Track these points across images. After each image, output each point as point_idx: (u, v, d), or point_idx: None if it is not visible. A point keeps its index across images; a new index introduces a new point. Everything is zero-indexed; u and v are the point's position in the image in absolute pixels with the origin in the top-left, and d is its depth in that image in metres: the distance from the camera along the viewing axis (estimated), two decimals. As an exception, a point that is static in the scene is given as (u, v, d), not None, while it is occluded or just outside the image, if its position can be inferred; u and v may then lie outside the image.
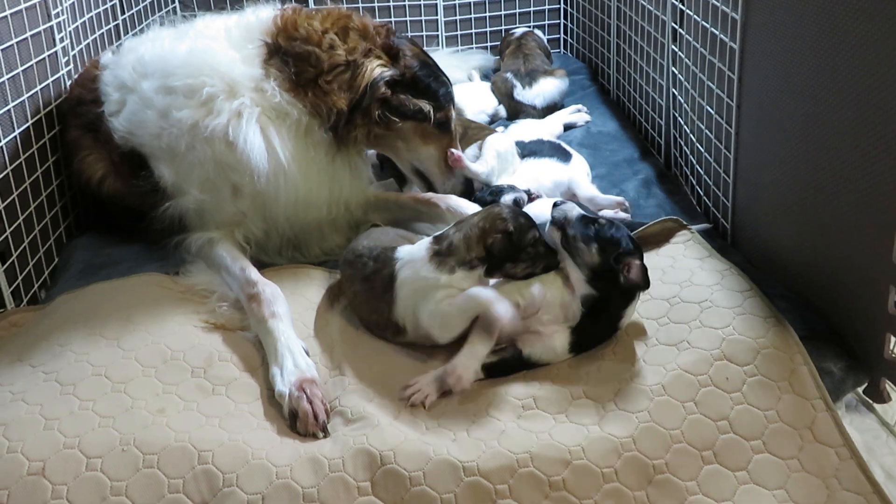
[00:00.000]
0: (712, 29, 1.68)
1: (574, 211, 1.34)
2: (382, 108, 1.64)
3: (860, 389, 1.31)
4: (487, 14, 3.06)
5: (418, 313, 1.31)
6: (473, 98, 2.47)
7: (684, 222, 1.61)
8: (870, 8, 1.15)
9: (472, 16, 3.05)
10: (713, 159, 1.75)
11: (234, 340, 1.39)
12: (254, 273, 1.49)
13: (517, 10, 3.08)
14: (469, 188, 1.80)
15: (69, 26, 1.92)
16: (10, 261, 1.56)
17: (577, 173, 1.91)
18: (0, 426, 1.15)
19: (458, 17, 3.03)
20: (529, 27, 2.91)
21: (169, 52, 1.63)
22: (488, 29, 3.08)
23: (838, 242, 1.30)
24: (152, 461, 1.11)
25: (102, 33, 2.20)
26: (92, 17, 2.12)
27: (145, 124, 1.60)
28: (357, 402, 1.24)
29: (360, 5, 2.90)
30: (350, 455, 1.13)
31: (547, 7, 3.10)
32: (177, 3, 2.81)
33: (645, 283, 1.27)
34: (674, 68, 2.02)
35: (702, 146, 1.82)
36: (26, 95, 1.69)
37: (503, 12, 3.07)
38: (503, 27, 3.05)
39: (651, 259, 1.48)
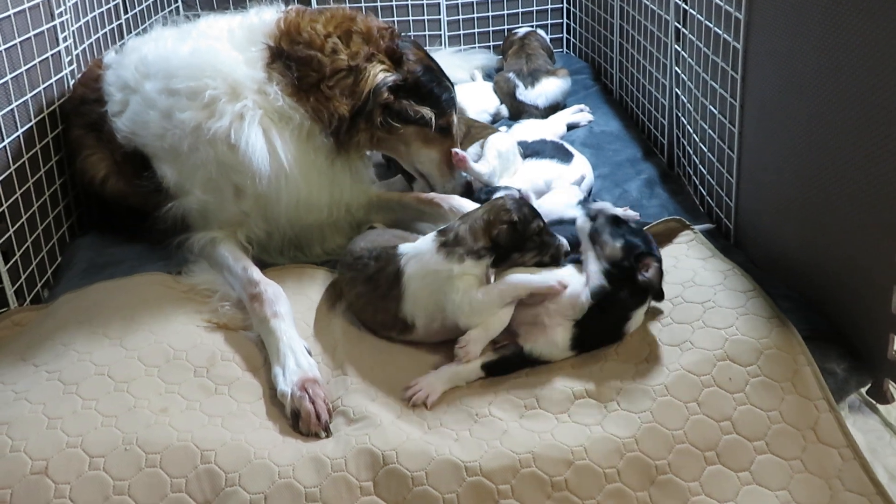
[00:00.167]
0: (715, 28, 1.68)
1: (609, 209, 1.38)
2: (385, 113, 1.64)
3: (863, 390, 1.31)
4: (490, 14, 3.06)
5: (438, 305, 1.32)
6: (476, 98, 2.46)
7: (687, 222, 1.61)
8: (874, 7, 1.15)
9: (475, 15, 3.04)
10: (716, 159, 1.75)
11: (236, 340, 1.39)
12: (256, 273, 1.49)
13: (520, 10, 3.07)
14: (468, 191, 1.80)
15: (72, 26, 1.92)
16: (14, 260, 1.56)
17: (575, 175, 1.90)
18: (3, 425, 1.15)
19: (460, 17, 3.03)
20: (532, 27, 2.90)
21: (172, 53, 1.63)
22: (491, 28, 3.08)
23: (841, 242, 1.30)
24: (155, 460, 1.11)
25: (105, 33, 2.20)
26: (95, 16, 2.12)
27: (148, 125, 1.60)
28: (359, 402, 1.24)
29: (363, 5, 2.90)
30: (352, 455, 1.13)
31: (550, 6, 3.09)
32: (179, 3, 2.81)
33: (659, 289, 1.29)
34: (677, 68, 2.02)
35: (705, 146, 1.82)
36: (29, 95, 1.69)
37: (506, 12, 3.07)
38: (506, 27, 3.05)
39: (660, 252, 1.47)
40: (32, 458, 1.11)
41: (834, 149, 1.28)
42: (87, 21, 2.06)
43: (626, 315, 1.30)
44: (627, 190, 1.94)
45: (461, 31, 3.05)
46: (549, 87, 2.47)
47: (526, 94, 2.46)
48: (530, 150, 1.94)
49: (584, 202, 1.64)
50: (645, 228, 1.59)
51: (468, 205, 1.68)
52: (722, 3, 1.63)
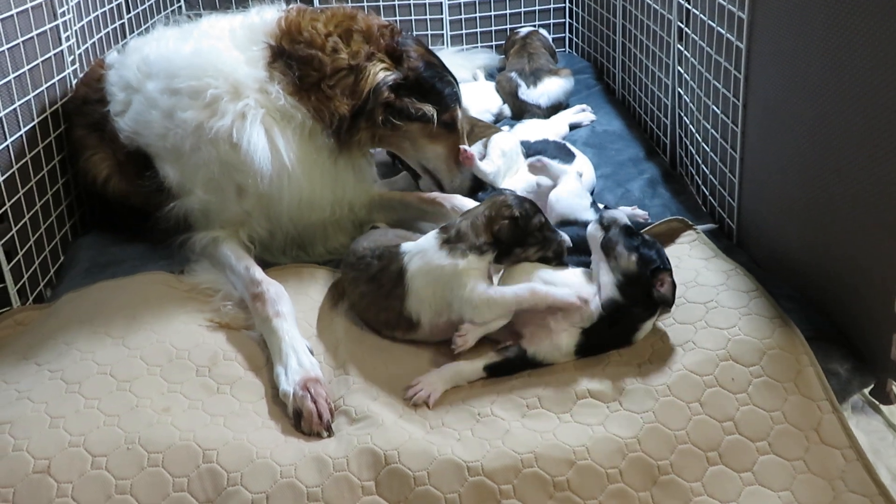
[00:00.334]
0: (719, 28, 1.68)
1: (623, 219, 1.36)
2: (386, 112, 1.64)
3: (866, 391, 1.31)
4: (492, 13, 3.06)
5: (444, 301, 1.32)
6: (478, 97, 2.46)
7: (690, 222, 1.60)
8: (877, 7, 1.14)
9: (477, 15, 3.04)
10: (719, 159, 1.74)
11: (238, 339, 1.39)
12: (258, 272, 1.50)
13: (522, 9, 3.07)
14: (477, 184, 1.80)
15: (75, 25, 1.92)
16: (16, 259, 1.56)
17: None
18: (6, 424, 1.16)
19: (462, 16, 3.03)
20: (534, 26, 2.90)
21: (173, 53, 1.63)
22: (493, 28, 3.07)
23: (844, 243, 1.30)
24: (157, 460, 1.12)
25: (108, 32, 2.20)
26: (98, 16, 2.13)
27: (150, 124, 1.60)
28: (361, 402, 1.24)
29: (365, 4, 2.90)
30: (354, 454, 1.13)
31: (552, 6, 3.09)
32: (182, 3, 2.81)
33: (672, 301, 1.29)
34: (680, 67, 2.01)
35: (707, 146, 1.82)
36: (32, 94, 1.69)
37: (508, 11, 3.07)
38: (508, 26, 3.05)
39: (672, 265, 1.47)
40: (35, 457, 1.11)
41: (837, 149, 1.28)
42: (90, 21, 2.06)
43: (635, 326, 1.30)
44: (630, 190, 1.94)
45: (463, 31, 3.05)
46: (551, 87, 2.47)
47: (528, 94, 2.46)
48: (533, 150, 1.94)
49: (595, 205, 1.64)
50: (647, 228, 1.59)
51: (470, 204, 1.68)
52: (725, 3, 1.62)
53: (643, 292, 1.27)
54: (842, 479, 1.12)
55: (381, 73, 1.61)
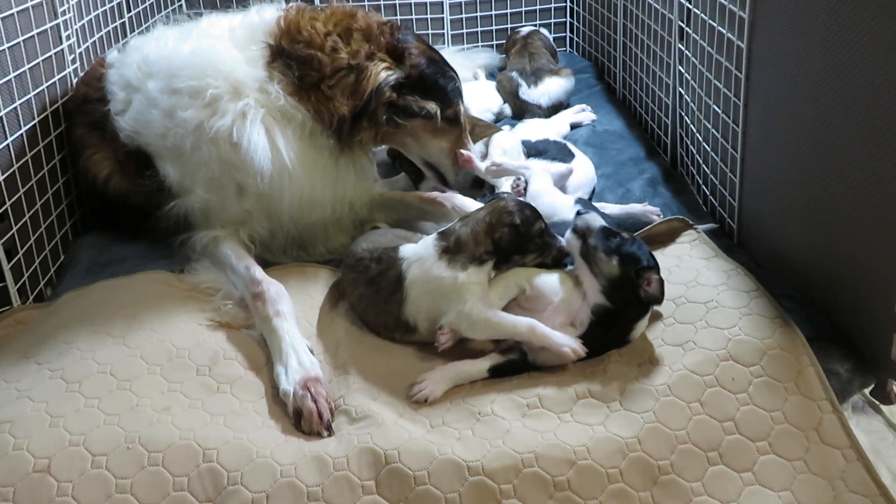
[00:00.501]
0: (720, 28, 1.68)
1: (597, 222, 1.34)
2: (389, 111, 1.63)
3: (867, 391, 1.31)
4: (493, 12, 3.06)
5: (441, 311, 1.31)
6: (479, 97, 2.46)
7: (690, 222, 1.60)
8: (879, 6, 1.14)
9: (478, 14, 3.04)
10: (720, 159, 1.74)
11: (238, 339, 1.39)
12: (258, 271, 1.50)
13: (523, 9, 3.07)
14: (480, 179, 1.80)
15: (75, 24, 1.92)
16: (17, 258, 1.56)
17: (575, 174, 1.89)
18: (6, 423, 1.16)
19: (463, 16, 3.03)
20: (535, 26, 2.90)
21: (173, 52, 1.63)
22: (494, 27, 3.07)
23: (845, 243, 1.30)
24: (157, 459, 1.12)
25: (109, 31, 2.20)
26: (98, 14, 2.12)
27: (151, 124, 1.60)
28: (361, 401, 1.24)
29: (366, 3, 2.90)
30: (354, 454, 1.13)
31: (553, 5, 3.09)
32: (182, 1, 2.81)
33: (662, 298, 1.28)
34: (681, 67, 2.01)
35: (708, 145, 1.81)
36: (33, 93, 1.69)
37: (509, 11, 3.07)
38: (509, 26, 3.04)
39: (657, 259, 1.47)
40: (35, 456, 1.11)
41: (838, 149, 1.28)
42: (91, 19, 2.06)
43: (629, 327, 1.29)
44: (630, 189, 1.94)
45: (464, 30, 3.05)
46: (552, 87, 2.47)
47: (529, 94, 2.46)
48: (533, 150, 1.94)
49: (580, 202, 1.63)
50: (647, 228, 1.59)
51: (471, 204, 1.68)
52: (726, 3, 1.62)
53: (631, 294, 1.26)
54: (842, 479, 1.12)
55: (382, 73, 1.60)
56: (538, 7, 3.08)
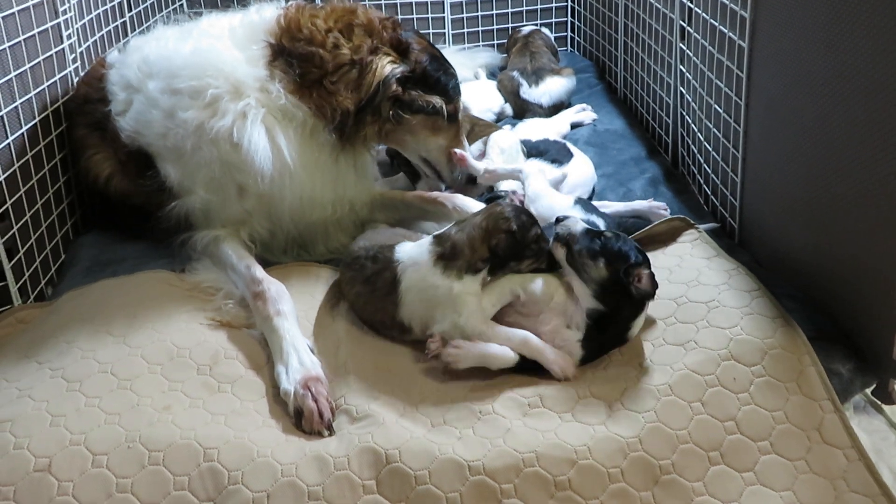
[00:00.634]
0: (721, 27, 1.67)
1: (578, 226, 1.32)
2: (394, 105, 1.63)
3: (868, 391, 1.30)
4: (494, 12, 3.06)
5: (435, 318, 1.31)
6: (480, 96, 2.46)
7: (691, 221, 1.60)
8: (879, 5, 1.14)
9: (479, 13, 3.04)
10: (721, 158, 1.74)
11: (239, 338, 1.39)
12: (259, 271, 1.49)
13: (524, 8, 3.07)
14: (475, 176, 1.80)
15: (76, 23, 1.92)
16: (17, 257, 1.56)
17: (576, 174, 1.89)
18: (6, 422, 1.16)
19: (464, 15, 3.03)
20: (536, 25, 2.90)
21: (173, 53, 1.63)
22: (495, 27, 3.07)
23: (846, 242, 1.30)
24: (158, 458, 1.11)
25: (109, 30, 2.20)
26: (99, 14, 2.12)
27: (151, 124, 1.60)
28: (362, 401, 1.24)
29: (367, 3, 2.90)
30: (355, 453, 1.13)
31: (554, 5, 3.09)
32: (183, 1, 2.81)
33: (654, 292, 1.26)
34: (682, 66, 2.01)
35: (710, 145, 1.81)
36: (33, 92, 1.69)
37: (510, 10, 3.07)
38: (510, 25, 3.04)
39: (658, 258, 1.47)
40: (35, 455, 1.11)
41: (839, 148, 1.28)
42: (91, 19, 2.06)
43: (627, 326, 1.28)
44: (631, 189, 1.94)
45: (465, 30, 3.05)
46: (553, 86, 2.47)
47: (530, 93, 2.46)
48: (534, 149, 1.94)
49: (580, 202, 1.62)
50: (648, 228, 1.59)
51: (472, 204, 1.68)
52: (727, 2, 1.62)
53: (623, 294, 1.25)
54: (843, 478, 1.12)
55: (388, 66, 1.60)
56: (539, 6, 3.08)
